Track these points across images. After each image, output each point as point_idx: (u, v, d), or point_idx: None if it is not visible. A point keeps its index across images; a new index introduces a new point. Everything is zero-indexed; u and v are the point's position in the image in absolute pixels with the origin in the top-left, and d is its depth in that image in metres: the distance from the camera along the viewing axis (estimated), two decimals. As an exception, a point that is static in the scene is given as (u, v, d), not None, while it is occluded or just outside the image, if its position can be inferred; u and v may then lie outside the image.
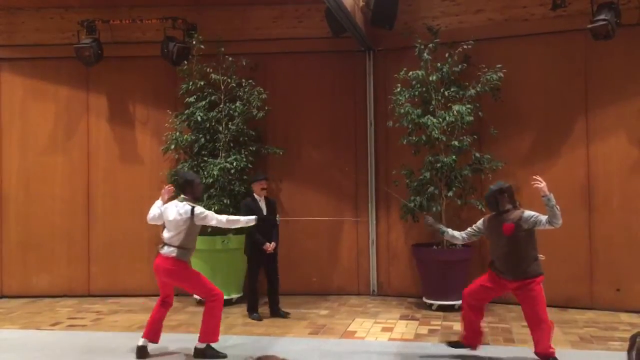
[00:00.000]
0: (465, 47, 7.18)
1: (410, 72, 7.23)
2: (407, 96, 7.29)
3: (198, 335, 5.40)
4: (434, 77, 7.20)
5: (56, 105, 8.51)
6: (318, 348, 5.64)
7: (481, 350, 5.30)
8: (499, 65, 7.10)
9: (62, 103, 8.50)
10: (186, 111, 7.86)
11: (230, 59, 7.84)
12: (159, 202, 5.62)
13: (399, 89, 7.30)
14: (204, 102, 7.82)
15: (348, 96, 8.32)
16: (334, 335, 6.12)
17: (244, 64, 7.88)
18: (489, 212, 5.23)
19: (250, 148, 7.88)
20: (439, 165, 7.09)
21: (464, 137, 7.16)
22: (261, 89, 7.86)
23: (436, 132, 7.03)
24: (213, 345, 5.43)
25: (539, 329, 4.83)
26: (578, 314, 6.91)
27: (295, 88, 8.35)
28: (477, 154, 7.26)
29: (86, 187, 8.37)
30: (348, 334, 6.19)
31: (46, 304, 7.84)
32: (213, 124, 7.78)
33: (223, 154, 7.70)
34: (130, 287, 8.22)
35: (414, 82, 7.32)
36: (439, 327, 6.38)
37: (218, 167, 7.50)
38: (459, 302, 6.97)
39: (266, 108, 7.89)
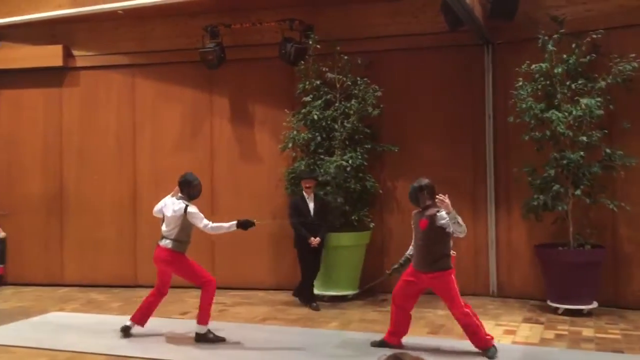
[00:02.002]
0: (594, 36, 6.77)
1: (533, 65, 6.93)
2: (529, 90, 6.99)
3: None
4: (559, 70, 6.85)
5: (183, 107, 9.02)
6: (438, 348, 5.57)
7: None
8: (633, 55, 6.62)
9: (188, 105, 9.00)
10: (303, 110, 8.03)
11: (345, 57, 7.91)
12: (167, 197, 6.12)
13: (520, 83, 7.02)
14: (320, 101, 7.96)
15: (465, 91, 8.12)
16: (454, 336, 6.01)
17: (359, 62, 7.93)
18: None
19: (366, 146, 7.91)
20: (565, 162, 6.74)
21: (593, 132, 6.76)
22: (376, 87, 7.86)
23: (561, 127, 6.69)
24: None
25: (464, 326, 5.19)
26: None
27: (411, 85, 8.28)
28: (608, 150, 6.82)
29: (210, 184, 8.79)
30: (468, 335, 6.05)
31: (175, 294, 8.32)
32: (329, 122, 7.90)
33: (339, 152, 7.79)
34: (251, 280, 8.56)
35: (537, 76, 7.01)
36: (566, 332, 6.08)
37: (334, 164, 7.61)
38: (588, 306, 6.66)
39: (381, 106, 7.88)
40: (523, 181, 7.15)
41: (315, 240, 7.19)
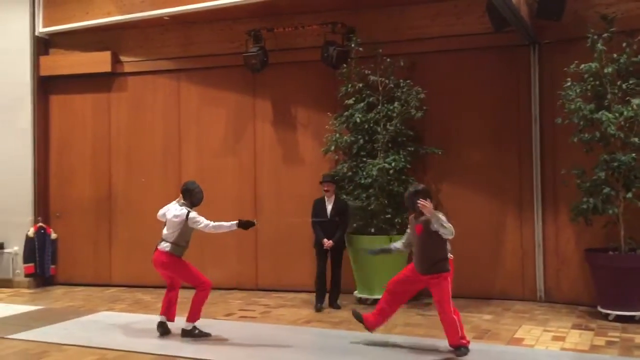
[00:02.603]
0: (646, 35, 6.58)
1: (582, 65, 6.76)
2: (578, 91, 6.82)
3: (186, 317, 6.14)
4: (610, 69, 6.66)
5: (226, 111, 9.14)
6: (487, 354, 5.49)
7: None
8: (687, 53, 6.40)
9: (232, 108, 9.11)
10: (345, 113, 8.04)
11: (387, 59, 7.89)
12: (171, 203, 6.40)
13: (569, 84, 6.86)
14: (362, 104, 7.95)
15: (510, 93, 7.98)
16: (500, 341, 5.92)
17: (402, 64, 7.89)
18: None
19: (409, 148, 7.86)
20: (615, 164, 6.55)
21: (645, 133, 6.55)
22: (419, 89, 7.80)
23: (612, 128, 6.50)
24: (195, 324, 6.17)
25: (446, 322, 5.32)
26: None
27: (454, 86, 8.19)
28: (661, 152, 6.60)
29: (253, 186, 8.89)
30: (515, 340, 5.95)
31: (219, 295, 8.45)
32: (371, 124, 7.88)
33: (381, 155, 7.77)
34: (294, 282, 8.61)
35: (586, 76, 6.83)
36: (617, 339, 5.90)
37: (377, 167, 7.59)
38: (641, 313, 6.45)
39: (424, 108, 7.82)
40: (571, 184, 6.98)
41: (328, 243, 7.33)
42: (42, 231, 9.42)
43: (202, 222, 6.10)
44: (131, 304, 8.13)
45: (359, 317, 5.80)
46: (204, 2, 8.45)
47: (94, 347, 5.93)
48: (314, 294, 7.58)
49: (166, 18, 8.93)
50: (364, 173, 7.72)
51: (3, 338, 6.28)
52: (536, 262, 7.76)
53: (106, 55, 9.41)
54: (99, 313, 7.51)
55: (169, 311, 6.38)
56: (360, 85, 7.97)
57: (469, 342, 5.41)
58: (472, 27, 8.01)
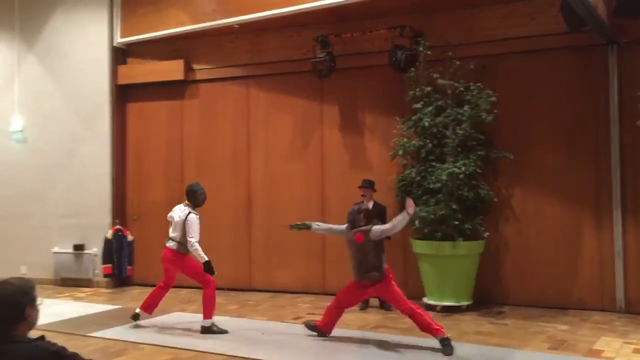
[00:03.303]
0: None
1: (666, 65, 6.44)
2: (661, 91, 6.51)
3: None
4: (696, 69, 6.32)
5: (294, 116, 9.25)
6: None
7: None
8: None
9: (299, 113, 9.21)
10: (413, 117, 7.96)
11: (457, 62, 7.76)
12: (179, 205, 6.88)
13: (651, 84, 6.55)
14: (430, 108, 7.85)
15: (586, 95, 7.69)
16: (577, 353, 5.70)
17: (472, 67, 7.75)
18: None
19: (479, 153, 7.70)
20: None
21: None
22: (490, 92, 7.63)
23: (699, 130, 6.16)
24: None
25: (410, 313, 5.84)
26: None
27: (527, 89, 7.97)
28: None
29: (321, 191, 8.94)
30: (593, 352, 5.72)
31: (287, 298, 8.56)
32: (440, 129, 7.78)
33: (451, 159, 7.65)
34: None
35: (670, 76, 6.51)
36: None
37: (446, 172, 7.47)
38: None
39: (495, 111, 7.64)
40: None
41: None
42: (120, 233, 9.83)
43: (193, 233, 6.56)
44: (203, 305, 8.33)
45: (313, 329, 6.36)
46: (272, 9, 8.60)
47: (168, 347, 6.14)
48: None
49: (236, 26, 9.13)
50: (433, 178, 7.63)
51: (84, 336, 6.59)
52: (615, 271, 7.42)
53: (179, 64, 9.72)
54: (173, 314, 7.75)
55: (149, 306, 6.95)
56: (429, 89, 7.88)
57: (441, 327, 5.80)
58: (546, 27, 7.77)
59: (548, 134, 7.84)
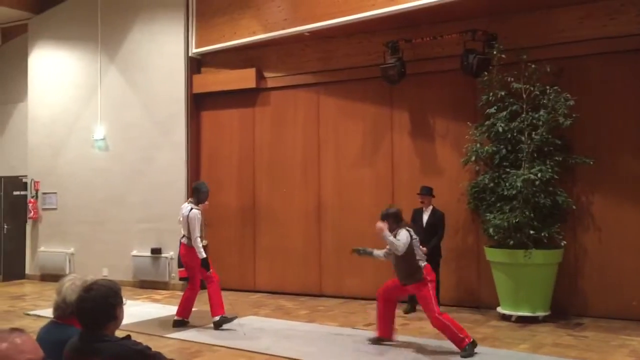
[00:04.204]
0: None
1: None
2: None
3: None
4: None
5: (364, 122, 9.26)
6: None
7: None
8: None
9: (369, 120, 9.21)
10: (486, 122, 7.80)
11: (532, 66, 7.55)
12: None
13: None
14: (504, 113, 7.67)
15: (672, 96, 7.31)
16: (664, 369, 5.41)
17: (548, 70, 7.51)
18: None
19: (556, 158, 7.45)
20: None
21: None
22: (567, 95, 7.37)
23: None
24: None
25: (439, 328, 5.92)
26: None
27: (607, 91, 7.65)
28: None
29: (391, 197, 8.88)
30: (682, 369, 5.42)
31: (358, 305, 8.56)
32: (515, 134, 7.58)
33: (526, 165, 7.43)
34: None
35: None
36: None
37: (521, 178, 7.27)
38: None
39: (574, 115, 7.37)
40: None
41: (423, 250, 7.33)
42: (194, 238, 10.11)
43: (195, 230, 7.04)
44: (274, 310, 8.47)
45: (377, 341, 6.37)
46: (342, 16, 8.66)
47: (242, 350, 6.27)
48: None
49: (306, 34, 9.25)
50: (507, 184, 7.44)
51: (162, 337, 6.83)
52: None
53: (251, 72, 9.94)
54: (245, 317, 7.90)
55: (185, 311, 7.28)
56: (503, 93, 7.71)
57: (470, 338, 5.84)
58: (626, 28, 7.47)
59: (629, 138, 7.50)
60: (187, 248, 7.19)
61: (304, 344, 6.45)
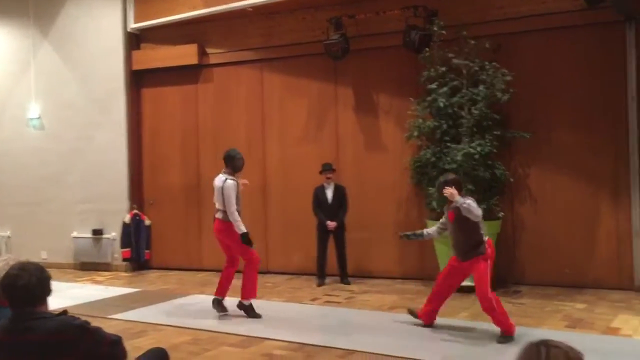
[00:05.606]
0: None
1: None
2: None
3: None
4: None
5: (308, 99, 9.24)
6: (580, 343, 5.27)
7: None
8: None
9: (314, 96, 9.20)
10: (428, 98, 7.90)
11: (472, 42, 7.69)
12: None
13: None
14: (445, 88, 7.79)
15: (603, 73, 7.60)
16: (594, 331, 5.71)
17: (487, 46, 7.66)
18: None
19: (495, 132, 7.64)
20: None
21: None
22: (505, 71, 7.55)
23: None
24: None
25: (486, 308, 5.43)
26: None
27: (543, 67, 7.89)
28: None
29: (336, 174, 8.93)
30: (611, 330, 5.73)
31: (304, 280, 8.62)
32: (455, 109, 7.73)
33: (466, 140, 7.61)
34: (378, 269, 8.63)
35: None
36: None
37: (461, 152, 7.44)
38: None
39: (511, 90, 7.57)
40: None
41: (331, 224, 8.13)
42: (137, 218, 9.94)
43: (231, 204, 6.28)
44: (220, 288, 8.41)
45: (414, 314, 6.10)
46: (285, -9, 8.57)
47: (187, 328, 6.22)
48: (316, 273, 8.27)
49: (249, 9, 9.11)
50: (448, 159, 7.60)
51: (105, 318, 6.70)
52: (633, 249, 7.38)
53: (193, 48, 9.72)
54: (191, 296, 7.84)
55: (222, 289, 6.62)
56: (444, 69, 7.82)
57: (514, 327, 5.49)
58: (562, 4, 7.68)
59: (565, 112, 7.77)
60: (222, 223, 6.41)
61: (250, 320, 6.45)
